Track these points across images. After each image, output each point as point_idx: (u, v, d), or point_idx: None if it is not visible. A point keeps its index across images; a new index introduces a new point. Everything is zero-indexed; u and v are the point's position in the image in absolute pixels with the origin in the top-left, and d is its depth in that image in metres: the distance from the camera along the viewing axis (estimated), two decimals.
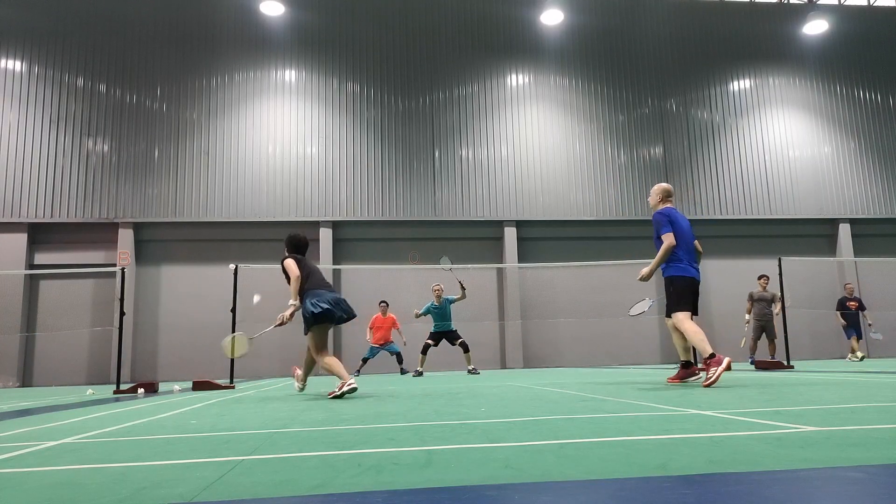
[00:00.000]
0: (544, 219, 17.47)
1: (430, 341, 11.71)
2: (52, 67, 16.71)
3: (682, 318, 5.58)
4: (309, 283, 5.69)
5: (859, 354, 13.46)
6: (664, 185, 6.13)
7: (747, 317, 12.66)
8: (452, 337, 11.73)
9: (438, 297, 11.66)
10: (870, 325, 13.69)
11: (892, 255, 17.73)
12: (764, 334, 12.56)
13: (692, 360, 5.68)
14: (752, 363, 12.02)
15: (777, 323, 12.57)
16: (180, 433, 2.88)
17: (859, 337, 13.60)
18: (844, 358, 16.93)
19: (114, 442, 2.65)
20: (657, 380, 6.75)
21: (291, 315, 5.60)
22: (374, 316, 13.37)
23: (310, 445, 2.29)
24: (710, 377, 5.12)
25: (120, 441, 2.67)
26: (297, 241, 6.02)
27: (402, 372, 13.38)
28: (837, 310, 13.72)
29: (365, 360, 13.24)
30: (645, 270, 5.82)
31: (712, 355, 5.23)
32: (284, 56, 17.56)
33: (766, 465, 1.59)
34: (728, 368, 5.21)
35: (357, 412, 3.76)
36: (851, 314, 13.43)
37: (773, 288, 12.88)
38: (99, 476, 1.79)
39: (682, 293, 5.61)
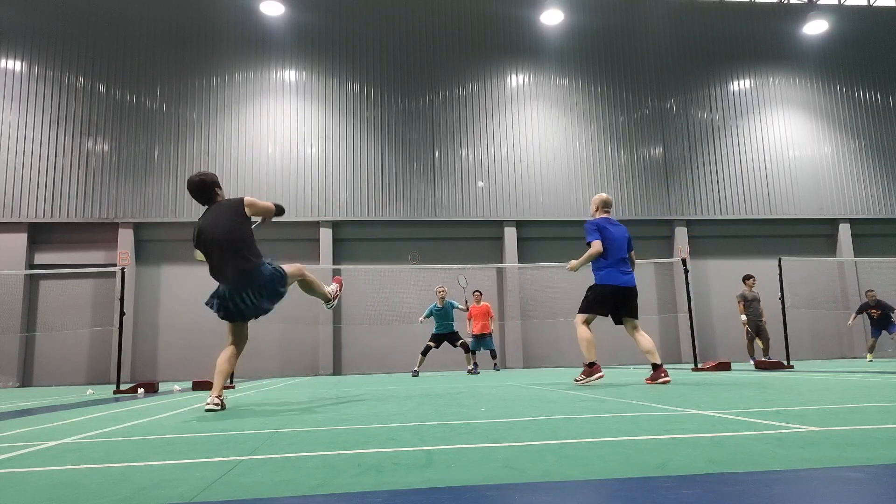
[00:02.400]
0: (544, 219, 17.48)
1: (431, 343, 11.74)
2: (52, 67, 16.72)
3: (579, 321, 6.03)
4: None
5: (868, 356, 13.42)
6: (601, 195, 6.35)
7: (744, 317, 12.53)
8: (454, 338, 11.81)
9: (442, 298, 11.77)
10: None
11: (892, 255, 17.73)
12: (758, 334, 12.49)
13: (659, 362, 5.81)
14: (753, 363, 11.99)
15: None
16: (180, 433, 2.88)
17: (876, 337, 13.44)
18: (846, 358, 16.93)
19: (114, 442, 2.65)
20: None
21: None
22: (471, 306, 13.12)
23: (310, 445, 2.29)
24: (579, 380, 5.92)
25: (120, 441, 2.67)
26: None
27: (496, 368, 13.35)
28: (858, 313, 13.53)
29: (474, 352, 13.05)
30: (572, 262, 6.19)
31: (592, 364, 5.86)
32: (284, 56, 17.56)
33: (766, 465, 1.59)
34: (594, 380, 5.88)
35: (357, 412, 3.76)
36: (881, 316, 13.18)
37: (757, 287, 12.94)
38: (99, 476, 1.79)
39: (593, 301, 6.00)
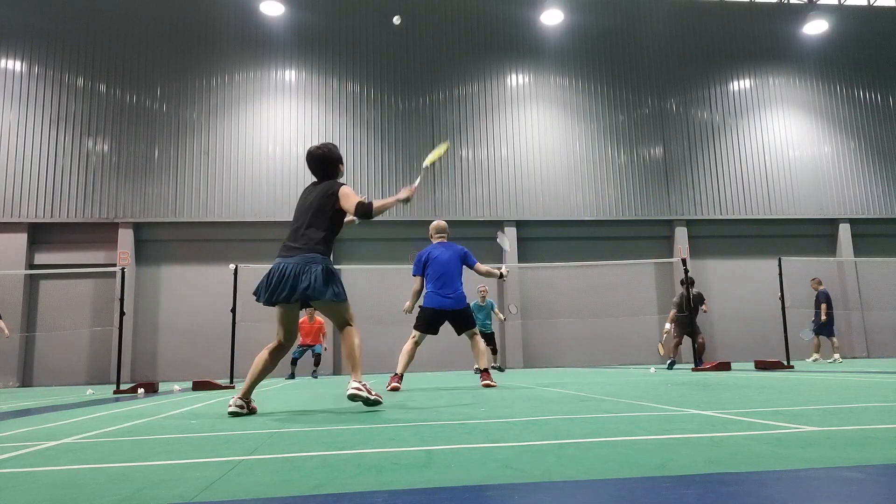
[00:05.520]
0: (544, 219, 17.47)
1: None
2: (52, 67, 16.72)
3: (412, 335, 6.55)
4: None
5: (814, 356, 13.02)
6: (434, 223, 6.94)
7: (668, 326, 11.27)
8: (489, 339, 12.05)
9: (483, 297, 12.05)
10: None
11: (892, 255, 17.74)
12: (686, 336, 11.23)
13: (481, 368, 6.57)
14: (670, 366, 11.10)
15: (705, 320, 11.56)
16: (180, 433, 2.88)
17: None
18: (846, 358, 16.93)
19: (114, 442, 2.65)
20: (657, 380, 6.76)
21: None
22: (301, 320, 13.23)
23: (310, 445, 2.29)
24: (388, 386, 6.18)
25: (120, 441, 2.67)
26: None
27: (314, 375, 13.51)
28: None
29: (294, 361, 13.13)
30: (406, 304, 6.80)
31: (395, 375, 6.33)
32: (284, 56, 17.56)
33: (766, 465, 1.59)
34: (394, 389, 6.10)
35: (357, 412, 3.76)
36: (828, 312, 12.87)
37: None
38: (99, 476, 1.78)
39: (420, 320, 6.54)
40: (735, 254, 18.08)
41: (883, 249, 18.19)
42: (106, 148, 16.53)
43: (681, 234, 17.79)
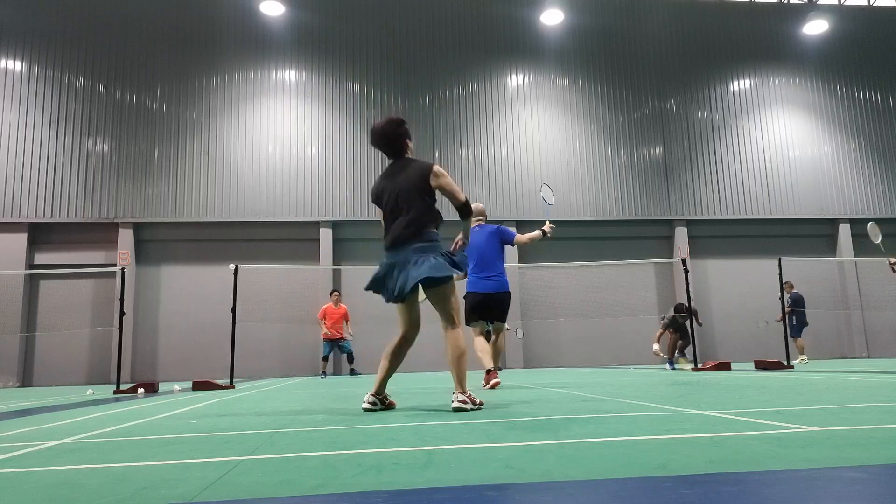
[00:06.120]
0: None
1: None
2: (52, 67, 16.72)
3: (472, 334, 6.26)
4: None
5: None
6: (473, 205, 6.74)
7: (655, 347, 11.51)
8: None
9: None
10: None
11: (892, 255, 17.70)
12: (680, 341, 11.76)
13: (491, 368, 6.18)
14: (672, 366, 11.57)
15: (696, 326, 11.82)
16: (180, 433, 2.88)
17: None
18: (846, 358, 16.94)
19: (114, 442, 2.64)
20: (657, 380, 6.75)
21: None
22: (325, 306, 12.96)
23: (310, 445, 2.29)
24: (485, 385, 5.91)
25: (120, 441, 2.66)
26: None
27: (353, 372, 13.30)
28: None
29: (325, 359, 12.82)
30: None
31: (489, 371, 6.02)
32: (284, 56, 17.56)
33: (766, 465, 1.59)
34: (493, 387, 5.82)
35: (357, 412, 3.76)
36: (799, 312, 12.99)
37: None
38: (99, 476, 1.78)
39: (466, 310, 6.20)
40: (735, 254, 18.08)
41: (883, 249, 18.16)
42: (106, 148, 16.53)
43: (681, 234, 17.79)
